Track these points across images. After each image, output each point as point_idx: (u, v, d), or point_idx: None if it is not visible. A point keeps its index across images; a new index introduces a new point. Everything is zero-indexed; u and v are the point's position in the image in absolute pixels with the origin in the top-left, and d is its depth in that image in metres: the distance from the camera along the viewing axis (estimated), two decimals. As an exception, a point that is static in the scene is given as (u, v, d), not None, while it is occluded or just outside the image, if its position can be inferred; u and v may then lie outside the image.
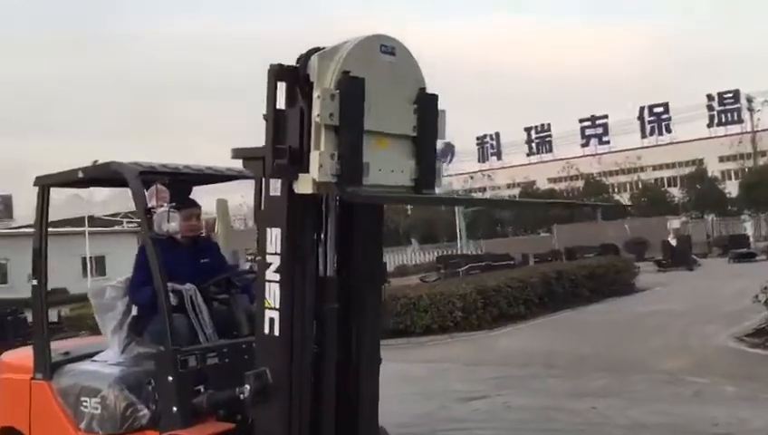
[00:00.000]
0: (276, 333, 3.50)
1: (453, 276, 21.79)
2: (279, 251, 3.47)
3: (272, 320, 3.52)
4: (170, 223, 3.87)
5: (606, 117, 64.59)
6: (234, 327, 4.36)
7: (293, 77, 3.38)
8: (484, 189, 65.12)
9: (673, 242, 28.80)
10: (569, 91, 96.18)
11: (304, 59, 3.38)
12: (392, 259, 42.47)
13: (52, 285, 5.53)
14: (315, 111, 3.26)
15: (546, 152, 69.12)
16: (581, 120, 65.54)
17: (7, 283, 32.55)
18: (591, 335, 12.24)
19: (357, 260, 3.80)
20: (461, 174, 66.22)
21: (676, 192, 54.85)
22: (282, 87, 3.39)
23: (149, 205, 3.95)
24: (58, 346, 4.90)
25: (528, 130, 69.85)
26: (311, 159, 3.29)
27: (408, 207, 75.15)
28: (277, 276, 3.48)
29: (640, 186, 57.88)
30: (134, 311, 4.47)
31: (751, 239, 35.25)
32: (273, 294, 3.51)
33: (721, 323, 11.90)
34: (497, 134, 71.06)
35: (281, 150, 3.36)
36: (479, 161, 71.77)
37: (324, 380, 3.65)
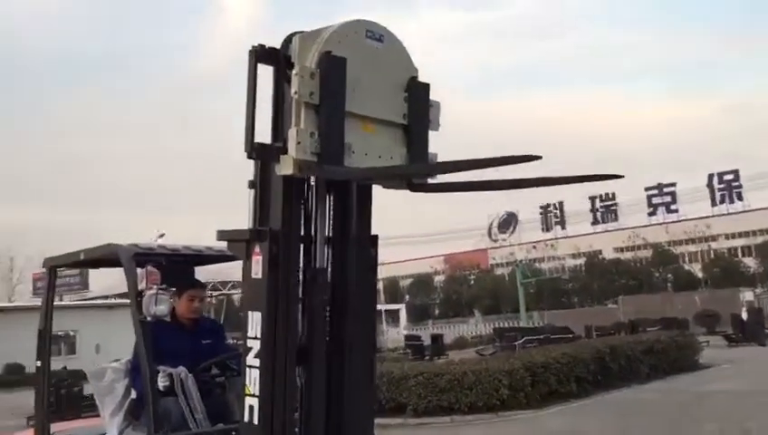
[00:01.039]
0: (256, 421, 3.39)
1: (509, 350, 21.22)
2: (259, 335, 3.41)
3: (251, 407, 3.42)
4: (158, 306, 3.87)
5: (674, 185, 63.09)
6: (227, 412, 4.28)
7: (275, 58, 3.37)
8: (547, 259, 64.04)
9: (744, 315, 27.45)
10: (634, 158, 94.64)
11: (286, 41, 3.38)
12: (453, 331, 41.83)
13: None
14: (293, 88, 3.23)
15: (612, 221, 67.76)
16: (647, 189, 64.24)
17: (75, 353, 33.39)
18: (644, 417, 11.60)
19: (346, 339, 3.69)
20: (524, 244, 65.40)
21: (750, 262, 52.72)
22: (262, 69, 3.36)
23: (140, 287, 3.96)
24: (61, 427, 4.91)
25: (592, 198, 68.71)
26: (289, 136, 3.24)
27: (471, 277, 75.36)
28: (257, 362, 3.40)
29: (712, 255, 55.96)
30: (133, 394, 4.45)
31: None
32: (252, 380, 3.43)
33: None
34: (561, 203, 70.15)
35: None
36: (543, 231, 70.79)
37: None
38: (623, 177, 3.22)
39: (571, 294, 58.15)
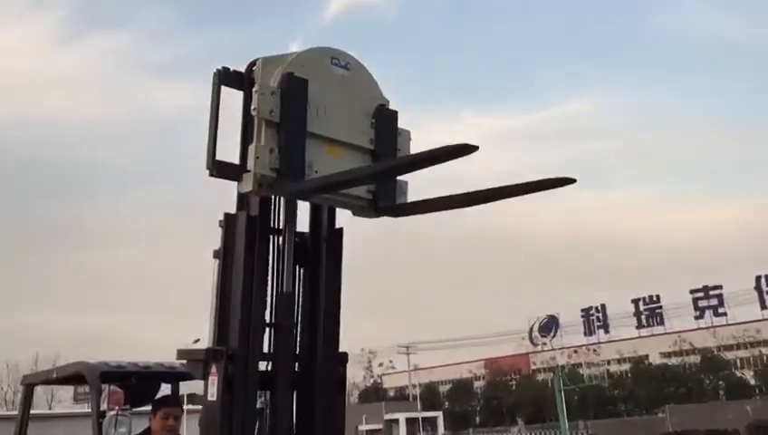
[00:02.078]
0: None
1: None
2: None
3: None
4: (118, 429, 3.70)
5: (720, 287, 61.33)
6: None
7: (239, 82, 3.42)
8: (590, 365, 62.04)
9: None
10: (679, 260, 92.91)
11: (251, 65, 3.44)
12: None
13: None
14: (253, 105, 3.28)
15: (657, 325, 65.77)
16: (693, 291, 62.55)
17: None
18: None
19: None
20: (565, 348, 63.64)
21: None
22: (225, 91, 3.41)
23: (102, 408, 3.82)
24: None
25: (636, 301, 67.14)
26: (248, 151, 3.25)
27: (512, 382, 73.10)
28: None
29: (764, 361, 53.56)
30: None
31: None
32: None
33: None
34: (603, 306, 68.59)
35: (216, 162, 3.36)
36: (585, 335, 68.96)
37: None
38: (575, 181, 3.07)
39: (617, 402, 55.76)
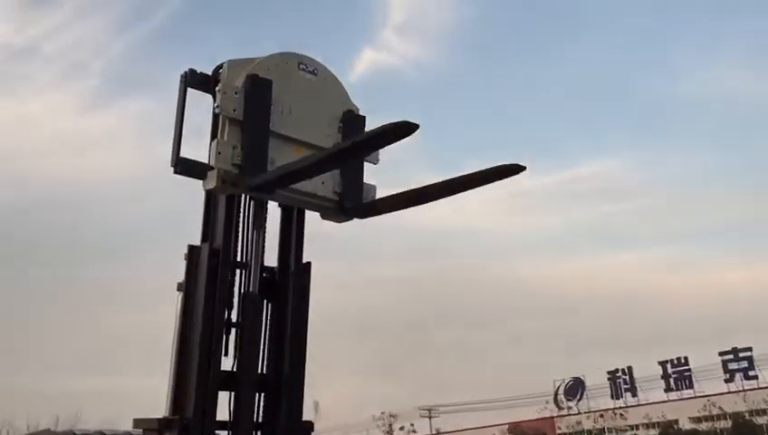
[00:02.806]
0: None
1: None
2: None
3: None
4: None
5: (749, 350, 59.71)
6: None
7: (205, 84, 3.50)
8: (617, 429, 60.24)
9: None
10: (707, 321, 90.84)
11: (218, 67, 3.49)
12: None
13: None
14: (216, 102, 3.34)
15: (686, 388, 63.90)
16: (722, 353, 60.91)
17: None
18: None
19: None
20: (592, 411, 62.00)
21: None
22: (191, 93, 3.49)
23: None
24: None
25: (663, 364, 65.48)
26: (210, 148, 3.29)
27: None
28: None
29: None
30: None
31: None
32: None
33: None
34: (630, 368, 66.95)
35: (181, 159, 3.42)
36: (612, 398, 67.16)
37: None
38: (524, 168, 3.08)
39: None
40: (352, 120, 3.68)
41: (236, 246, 3.58)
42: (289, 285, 3.61)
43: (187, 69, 3.53)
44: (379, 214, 3.67)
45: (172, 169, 3.44)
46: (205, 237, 3.53)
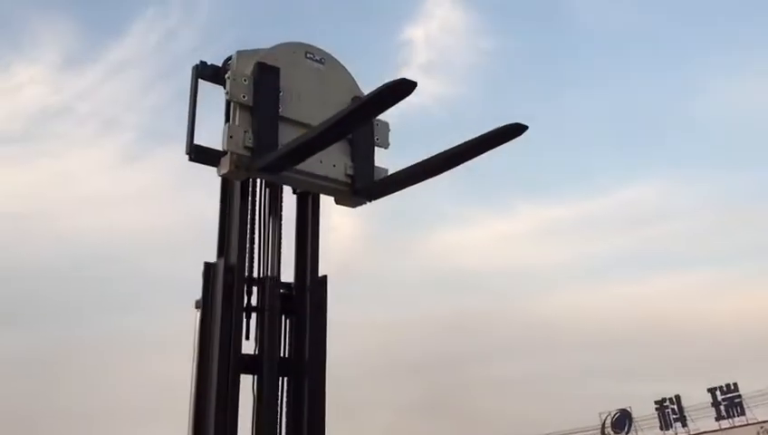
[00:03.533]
0: None
1: None
2: None
3: None
4: None
5: (802, 373, 57.83)
6: None
7: (215, 75, 3.57)
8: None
9: None
10: (754, 345, 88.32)
11: (227, 60, 3.56)
12: None
13: None
14: (226, 89, 3.42)
15: (738, 415, 61.99)
16: (773, 378, 59.05)
17: None
18: None
19: None
20: (641, 443, 60.27)
21: None
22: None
23: None
24: None
25: (712, 391, 63.68)
26: (223, 132, 3.35)
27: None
28: None
29: None
30: None
31: None
32: None
33: None
34: (678, 397, 65.16)
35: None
36: (661, 429, 65.34)
37: None
38: (526, 127, 3.05)
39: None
40: None
41: (252, 261, 3.49)
42: (306, 300, 3.51)
43: (199, 62, 3.62)
44: (390, 193, 3.72)
45: (187, 156, 3.51)
46: (220, 253, 3.46)
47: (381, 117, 3.79)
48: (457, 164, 3.35)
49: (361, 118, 3.13)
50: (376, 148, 3.85)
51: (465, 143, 3.19)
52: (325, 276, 3.64)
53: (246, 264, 3.48)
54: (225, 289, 3.32)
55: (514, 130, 3.06)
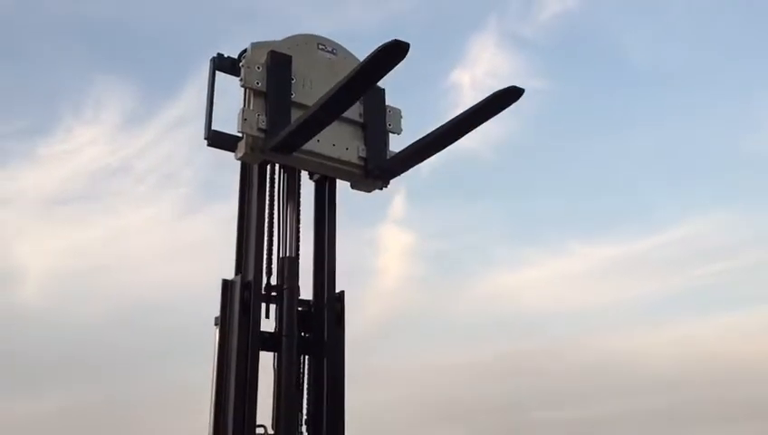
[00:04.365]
0: None
1: None
2: None
3: None
4: None
5: None
6: None
7: (231, 67, 3.72)
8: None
9: None
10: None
11: (243, 51, 3.72)
12: None
13: None
14: (240, 76, 3.58)
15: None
16: None
17: None
18: None
19: None
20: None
21: None
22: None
23: None
24: None
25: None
26: (238, 116, 3.50)
27: None
28: None
29: None
30: None
31: None
32: None
33: None
34: (750, 439, 62.08)
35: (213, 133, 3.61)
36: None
37: None
38: (523, 91, 3.09)
39: None
40: (372, 92, 3.81)
41: (270, 278, 3.53)
42: (324, 316, 3.53)
43: (216, 55, 3.79)
44: (403, 171, 3.80)
45: (206, 142, 3.65)
46: (238, 269, 3.51)
47: (394, 104, 3.95)
48: (464, 133, 3.40)
49: (362, 84, 3.16)
50: (390, 135, 3.93)
51: (465, 112, 3.25)
52: (342, 292, 3.65)
53: (264, 280, 3.49)
54: (241, 306, 3.36)
55: (512, 94, 3.11)
